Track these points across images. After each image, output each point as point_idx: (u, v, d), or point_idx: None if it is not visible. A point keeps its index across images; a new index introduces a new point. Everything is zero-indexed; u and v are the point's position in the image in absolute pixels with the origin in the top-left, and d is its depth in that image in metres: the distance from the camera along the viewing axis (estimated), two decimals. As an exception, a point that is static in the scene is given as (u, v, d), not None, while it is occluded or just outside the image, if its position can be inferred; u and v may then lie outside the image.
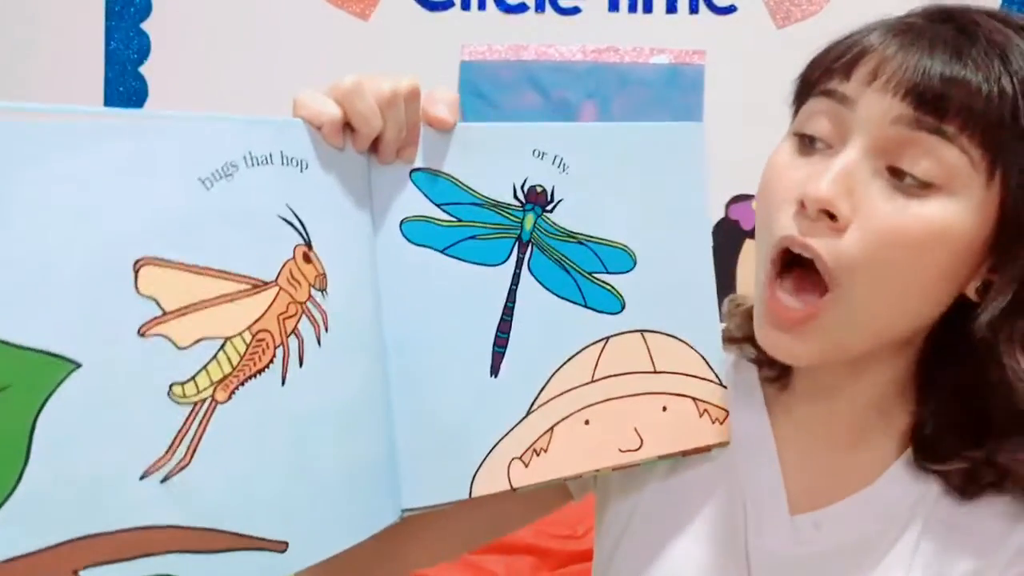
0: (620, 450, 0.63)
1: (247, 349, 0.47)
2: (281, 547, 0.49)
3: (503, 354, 0.60)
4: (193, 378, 0.45)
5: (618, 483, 0.72)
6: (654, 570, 0.68)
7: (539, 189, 0.61)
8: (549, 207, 0.61)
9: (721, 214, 1.79)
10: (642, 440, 0.64)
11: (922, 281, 0.58)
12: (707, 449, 0.66)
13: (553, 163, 0.61)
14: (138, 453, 0.44)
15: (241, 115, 0.48)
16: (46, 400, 0.40)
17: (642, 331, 0.64)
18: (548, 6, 1.86)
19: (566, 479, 0.63)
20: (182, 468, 0.45)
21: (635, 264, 0.63)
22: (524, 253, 0.61)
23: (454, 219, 0.58)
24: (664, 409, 0.65)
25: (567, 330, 0.62)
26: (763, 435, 0.69)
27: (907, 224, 0.56)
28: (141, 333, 0.44)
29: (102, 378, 0.42)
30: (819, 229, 0.57)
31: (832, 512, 0.65)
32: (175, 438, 0.45)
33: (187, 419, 0.45)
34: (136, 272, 0.43)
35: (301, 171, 0.51)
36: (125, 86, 2.03)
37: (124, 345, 0.43)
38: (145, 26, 2.03)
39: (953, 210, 0.56)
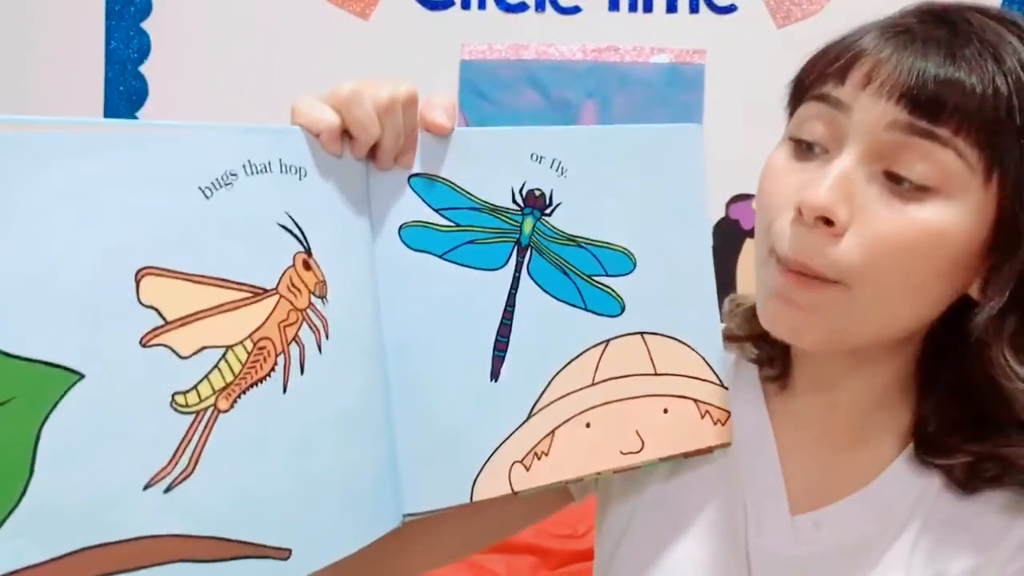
0: (621, 452, 0.63)
1: (248, 357, 0.48)
2: (284, 554, 0.49)
3: (503, 358, 0.60)
4: (195, 387, 0.45)
5: (619, 485, 0.72)
6: (655, 571, 0.68)
7: (538, 193, 0.61)
8: (548, 211, 0.61)
9: (721, 213, 1.79)
10: (643, 442, 0.64)
11: (921, 283, 0.58)
12: (709, 451, 0.67)
13: (551, 167, 0.61)
14: (141, 463, 0.44)
15: (239, 123, 0.48)
16: (50, 412, 0.40)
17: (642, 333, 0.64)
18: (548, 5, 1.86)
19: (567, 482, 0.63)
20: (185, 477, 0.45)
21: (635, 266, 0.63)
22: (523, 257, 0.61)
23: (452, 224, 0.58)
24: (665, 411, 0.65)
25: (567, 333, 0.62)
26: (763, 435, 0.69)
27: (905, 228, 0.56)
28: (143, 343, 0.44)
29: (105, 389, 0.42)
30: (816, 238, 0.57)
31: (832, 511, 0.65)
32: (178, 447, 0.45)
33: (189, 428, 0.45)
34: (138, 282, 0.43)
35: (300, 179, 0.51)
36: (125, 85, 2.03)
37: (126, 355, 0.43)
38: (145, 25, 2.03)
39: (950, 213, 0.56)
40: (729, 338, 0.72)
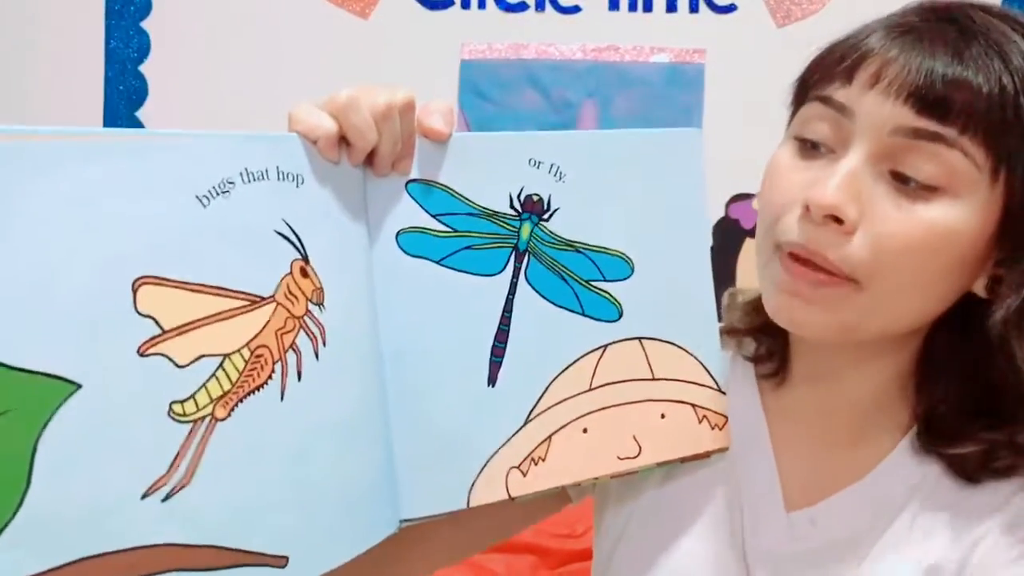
0: (619, 458, 0.63)
1: (246, 365, 0.48)
2: (281, 562, 0.49)
3: (500, 364, 0.60)
4: (193, 396, 0.45)
5: (616, 488, 0.72)
6: (653, 572, 0.68)
7: (535, 198, 0.61)
8: (546, 216, 0.61)
9: (721, 213, 1.79)
10: (640, 447, 0.64)
11: (929, 280, 0.59)
12: (706, 455, 0.67)
13: (549, 172, 0.61)
14: (139, 472, 0.44)
15: (236, 131, 0.48)
16: (47, 422, 0.40)
17: (640, 338, 0.64)
18: (548, 5, 1.86)
19: (564, 487, 0.63)
20: (183, 486, 0.45)
21: (633, 271, 0.63)
22: (521, 262, 0.61)
23: (450, 230, 0.58)
24: (663, 416, 0.65)
25: (565, 339, 0.62)
26: (759, 433, 0.69)
27: (913, 228, 0.57)
28: (141, 352, 0.44)
29: (103, 398, 0.42)
30: (825, 234, 0.58)
31: (827, 506, 0.65)
32: (176, 456, 0.45)
33: (187, 437, 0.45)
34: (135, 291, 0.43)
35: (297, 186, 0.51)
36: (125, 85, 2.03)
37: (124, 365, 0.43)
38: (145, 25, 2.03)
39: (958, 212, 0.56)
40: (728, 332, 0.72)
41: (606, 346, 0.63)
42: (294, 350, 0.50)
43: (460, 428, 0.59)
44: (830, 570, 0.64)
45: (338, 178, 0.53)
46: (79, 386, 0.41)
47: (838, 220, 0.57)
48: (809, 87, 0.63)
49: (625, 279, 0.63)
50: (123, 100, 2.02)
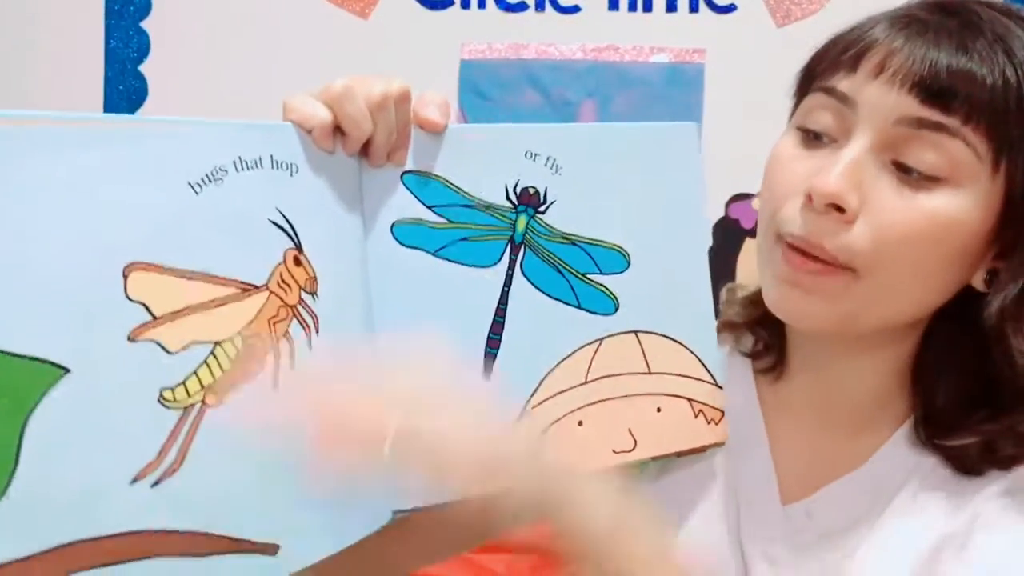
0: (614, 451, 0.63)
1: (238, 353, 0.48)
2: (272, 550, 0.49)
3: (495, 356, 0.60)
4: (183, 382, 0.45)
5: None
6: None
7: (531, 190, 0.61)
8: (542, 208, 0.61)
9: (721, 213, 1.79)
10: (636, 441, 0.64)
11: (929, 271, 0.59)
12: (702, 450, 0.67)
13: (546, 164, 0.61)
14: (128, 458, 0.44)
15: (231, 119, 0.48)
16: (35, 406, 0.40)
17: (636, 332, 0.64)
18: (548, 5, 1.86)
19: None
20: (172, 472, 0.45)
21: (629, 265, 0.63)
22: (517, 255, 0.61)
23: (445, 221, 0.58)
24: (658, 410, 0.65)
25: (560, 331, 0.62)
26: (755, 428, 0.69)
27: (915, 217, 0.57)
28: (131, 338, 0.44)
29: (91, 383, 0.42)
30: (826, 224, 0.58)
31: (822, 496, 0.65)
32: (165, 442, 0.45)
33: (177, 423, 0.45)
34: (125, 277, 0.43)
35: (291, 175, 0.51)
36: (125, 85, 2.03)
37: (114, 350, 0.43)
38: (145, 25, 2.03)
39: (959, 202, 0.57)
40: (726, 326, 0.72)
41: (602, 339, 0.63)
42: (287, 339, 0.50)
43: None
44: (827, 561, 0.64)
45: (333, 168, 0.53)
46: (68, 370, 0.41)
47: (839, 209, 0.57)
48: (813, 77, 0.63)
49: (621, 272, 0.63)
50: (123, 100, 2.02)
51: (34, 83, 2.07)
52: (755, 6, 1.80)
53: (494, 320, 0.60)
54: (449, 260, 0.58)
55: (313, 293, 0.51)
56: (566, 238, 0.62)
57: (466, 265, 0.59)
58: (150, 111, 2.00)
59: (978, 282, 0.61)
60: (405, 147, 0.57)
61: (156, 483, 0.44)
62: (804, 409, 0.68)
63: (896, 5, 0.63)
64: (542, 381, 0.61)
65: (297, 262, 0.50)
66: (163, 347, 0.45)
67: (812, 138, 0.61)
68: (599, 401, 0.63)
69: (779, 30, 1.80)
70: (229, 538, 0.47)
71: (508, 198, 0.60)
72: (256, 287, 0.49)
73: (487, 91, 1.85)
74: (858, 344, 0.64)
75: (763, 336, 0.71)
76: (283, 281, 0.50)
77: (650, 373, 0.64)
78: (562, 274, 0.62)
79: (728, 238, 1.76)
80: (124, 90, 2.03)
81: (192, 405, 0.46)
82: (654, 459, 0.65)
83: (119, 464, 0.43)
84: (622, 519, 0.49)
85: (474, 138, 0.59)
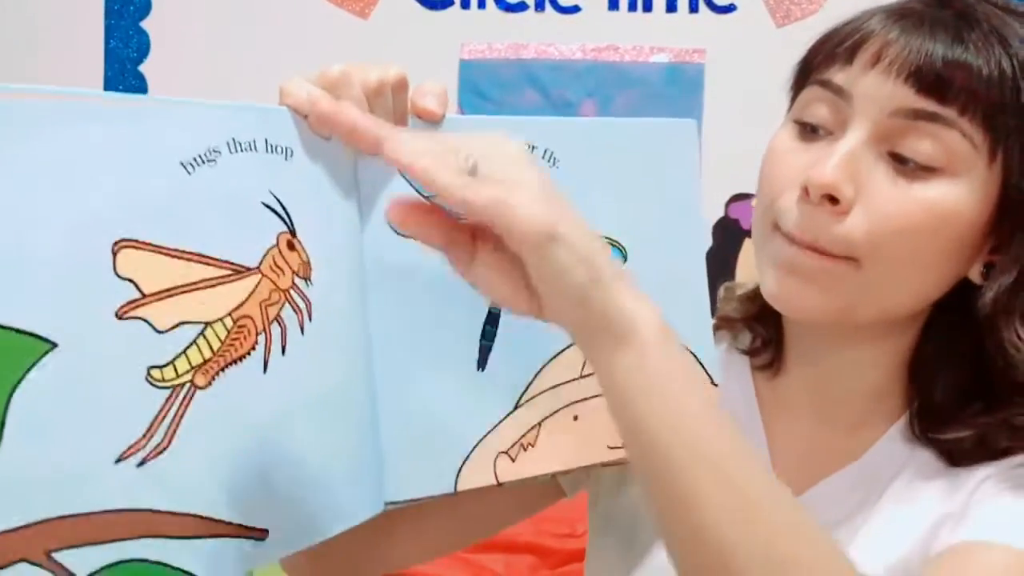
0: (609, 447, 0.63)
1: (228, 335, 0.47)
2: (261, 534, 0.49)
3: (491, 347, 0.59)
4: (172, 362, 0.45)
5: (609, 480, 0.72)
6: (645, 565, 0.67)
7: None
8: None
9: (721, 213, 1.79)
10: None
11: (926, 261, 0.59)
12: None
13: (543, 157, 0.60)
14: (114, 436, 0.43)
15: (227, 101, 0.48)
16: (20, 380, 0.40)
17: None
18: (548, 5, 1.86)
19: (553, 475, 0.63)
20: (159, 452, 0.44)
21: (625, 260, 0.63)
22: None
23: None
24: None
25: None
26: (753, 425, 0.69)
27: (911, 207, 0.57)
28: (119, 315, 0.43)
29: (78, 359, 0.41)
30: (821, 216, 0.58)
31: (820, 490, 0.65)
32: (153, 422, 0.44)
33: (165, 403, 0.45)
34: (115, 254, 0.43)
35: (286, 159, 0.50)
36: (125, 84, 2.04)
37: (101, 327, 0.42)
38: (144, 25, 2.04)
39: (956, 192, 0.57)
40: (724, 322, 0.72)
41: None
42: (279, 323, 0.49)
43: (449, 412, 0.58)
44: None
45: (329, 154, 0.53)
46: (54, 345, 0.41)
47: (834, 200, 0.57)
48: (809, 71, 0.63)
49: None
50: (123, 100, 2.03)
51: (34, 83, 2.07)
52: (755, 6, 1.81)
53: (489, 312, 0.59)
54: None
55: (306, 278, 0.51)
56: None
57: None
58: (149, 111, 2.00)
59: (975, 275, 0.61)
60: None
61: (142, 463, 0.44)
62: (801, 405, 0.68)
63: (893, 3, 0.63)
64: (537, 374, 0.61)
65: (291, 246, 0.50)
66: (152, 325, 0.44)
67: (809, 131, 0.61)
68: (594, 396, 0.62)
69: (779, 30, 1.80)
70: (217, 520, 0.46)
71: None
72: (248, 269, 0.48)
73: (487, 91, 1.85)
74: (855, 338, 0.64)
75: (760, 332, 0.70)
76: (276, 265, 0.49)
77: None
78: None
79: (728, 238, 1.76)
80: (124, 90, 2.03)
81: (181, 385, 0.45)
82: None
83: (105, 442, 0.43)
84: (666, 331, 0.46)
85: (472, 129, 0.59)
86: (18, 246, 0.40)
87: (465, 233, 0.48)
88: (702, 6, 1.82)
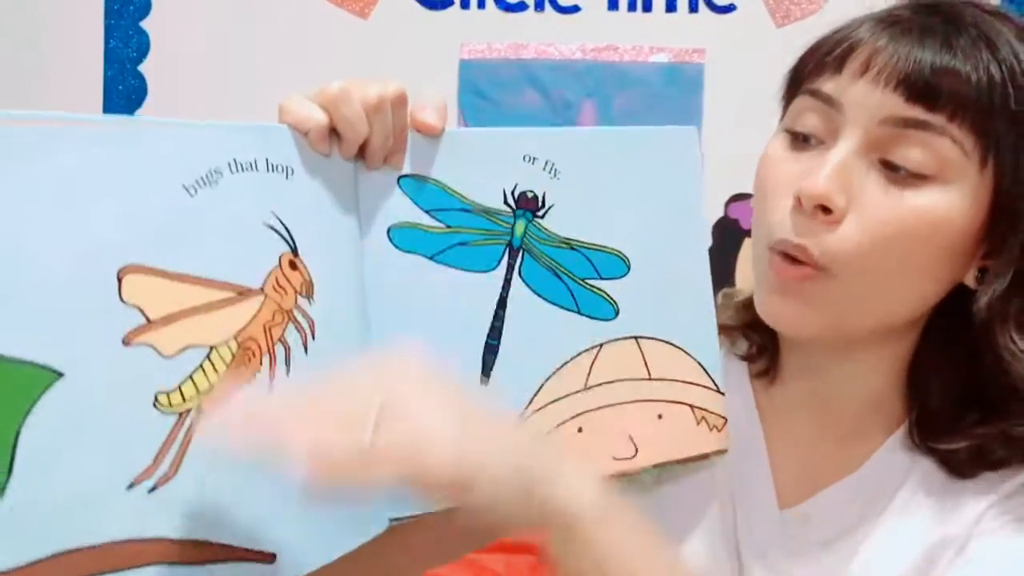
0: (615, 459, 0.63)
1: (233, 358, 0.47)
2: (269, 558, 0.49)
3: (494, 361, 0.59)
4: (179, 387, 0.45)
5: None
6: None
7: (530, 195, 0.60)
8: (540, 213, 0.61)
9: (720, 213, 1.79)
10: (637, 448, 0.63)
11: (920, 269, 0.59)
12: (704, 457, 0.66)
13: (544, 168, 0.60)
14: (124, 463, 0.43)
15: (226, 121, 0.48)
16: (29, 411, 0.40)
17: (637, 337, 0.63)
18: (547, 5, 1.86)
19: None
20: (169, 478, 0.45)
21: (629, 269, 0.63)
22: (515, 259, 0.60)
23: (442, 225, 0.58)
24: (660, 417, 0.64)
25: (559, 337, 0.61)
26: (753, 433, 0.69)
27: (903, 215, 0.57)
28: (125, 342, 0.43)
29: (86, 388, 0.42)
30: (814, 225, 0.58)
31: (819, 501, 0.65)
32: (161, 448, 0.44)
33: (173, 428, 0.45)
34: (120, 280, 0.43)
35: (287, 178, 0.50)
36: (124, 84, 2.03)
37: (108, 354, 0.42)
38: (144, 24, 2.03)
39: (948, 199, 0.57)
40: (720, 329, 0.72)
41: (602, 345, 0.62)
42: (283, 343, 0.50)
43: None
44: (824, 564, 0.64)
45: (329, 171, 0.53)
46: (61, 375, 0.41)
47: (827, 210, 0.57)
48: (800, 80, 0.63)
49: (621, 277, 0.63)
50: (122, 100, 2.02)
51: (34, 83, 2.07)
52: (755, 6, 1.80)
53: (492, 325, 0.59)
54: (446, 265, 0.58)
55: (309, 297, 0.51)
56: (565, 242, 0.61)
57: (464, 270, 0.58)
58: (150, 111, 2.00)
59: (970, 280, 0.61)
60: (402, 150, 0.56)
61: (153, 489, 0.44)
62: (801, 413, 0.68)
63: (893, 4, 0.63)
64: (541, 387, 0.61)
65: (293, 266, 0.50)
66: (158, 351, 0.44)
67: (800, 140, 0.62)
68: (599, 407, 0.62)
69: (779, 30, 1.80)
70: (225, 546, 0.47)
71: (506, 202, 0.60)
72: (251, 291, 0.48)
73: (487, 91, 1.85)
74: (852, 347, 0.64)
75: (756, 340, 0.71)
76: (279, 285, 0.49)
77: (651, 379, 0.64)
78: (561, 279, 0.61)
79: (728, 238, 1.76)
80: (124, 90, 2.02)
81: (188, 410, 0.45)
82: (656, 467, 0.64)
83: (115, 470, 0.43)
84: (606, 505, 0.48)
85: (472, 141, 0.59)
86: (22, 275, 0.40)
87: None
88: (702, 6, 1.82)
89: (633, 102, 1.81)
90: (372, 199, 0.55)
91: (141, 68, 2.04)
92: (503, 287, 0.60)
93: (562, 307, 0.61)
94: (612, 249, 0.62)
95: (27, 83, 2.06)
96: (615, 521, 0.48)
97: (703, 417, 0.65)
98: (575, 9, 1.85)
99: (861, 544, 0.63)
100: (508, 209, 0.60)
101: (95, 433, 0.42)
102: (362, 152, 0.55)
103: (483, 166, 0.59)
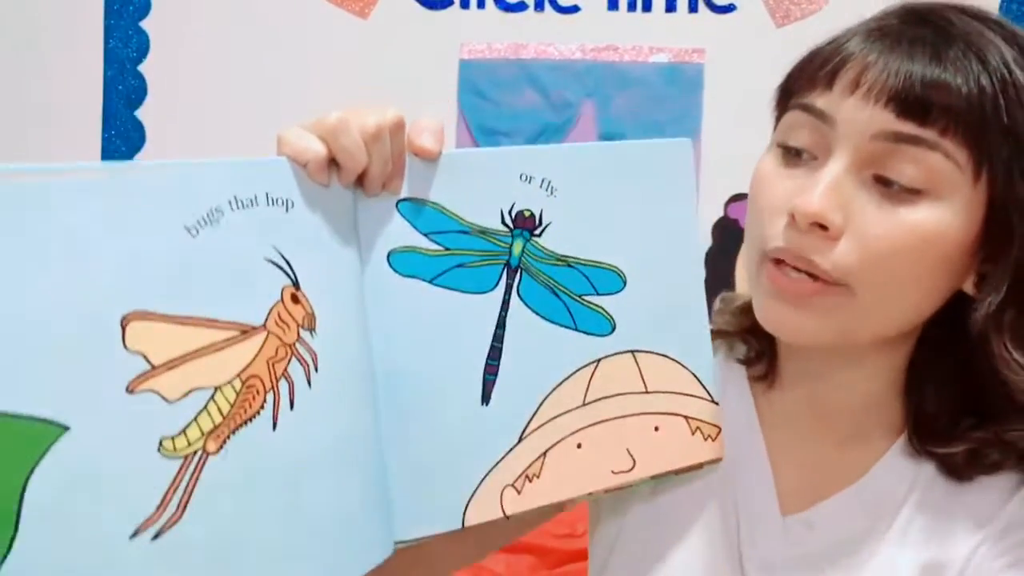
0: (613, 472, 0.63)
1: (237, 397, 0.47)
2: None
3: (494, 382, 0.60)
4: (184, 431, 0.45)
5: (607, 500, 0.72)
6: None
7: (527, 214, 0.60)
8: (538, 231, 0.61)
9: (720, 213, 1.78)
10: (635, 461, 0.64)
11: (917, 282, 0.59)
12: (699, 467, 0.67)
13: (541, 186, 0.60)
14: (128, 512, 0.43)
15: (225, 158, 0.48)
16: (34, 467, 0.40)
17: (633, 351, 0.64)
18: (547, 5, 1.85)
19: (559, 504, 0.63)
20: (174, 523, 0.44)
21: (625, 284, 0.63)
22: (513, 279, 0.60)
23: (441, 248, 0.58)
24: (656, 429, 0.65)
25: (558, 354, 0.62)
26: (753, 440, 0.69)
27: (898, 231, 0.57)
28: (130, 390, 0.43)
29: (91, 440, 0.41)
30: (811, 240, 0.58)
31: (823, 509, 0.65)
32: (166, 493, 0.44)
33: (178, 472, 0.45)
34: (124, 327, 0.43)
35: (287, 211, 0.50)
36: (124, 84, 2.03)
37: (113, 404, 0.42)
38: (144, 24, 2.03)
39: (942, 213, 0.57)
40: (718, 334, 0.72)
41: (599, 360, 0.63)
42: (286, 378, 0.49)
43: (454, 447, 0.58)
44: (829, 573, 0.64)
45: (328, 201, 0.53)
46: (67, 428, 0.41)
47: (823, 227, 0.57)
48: (791, 93, 0.63)
49: (617, 292, 0.63)
50: (122, 100, 2.02)
51: (34, 82, 2.07)
52: (755, 6, 1.80)
53: (492, 346, 0.60)
54: (446, 288, 0.58)
55: (311, 330, 0.51)
56: (562, 260, 0.62)
57: (463, 292, 0.59)
58: (149, 110, 2.00)
59: (969, 287, 0.61)
60: (400, 175, 0.56)
61: (157, 535, 0.44)
62: (801, 419, 0.68)
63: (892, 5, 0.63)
64: (541, 405, 0.61)
65: (295, 299, 0.50)
66: (162, 397, 0.44)
67: (793, 155, 0.61)
68: (598, 422, 0.63)
69: (778, 30, 1.79)
70: None
71: (504, 222, 0.60)
72: (255, 328, 0.48)
73: (486, 91, 1.85)
74: (851, 354, 0.64)
75: (755, 345, 0.71)
76: (281, 320, 0.49)
77: (647, 392, 0.64)
78: (558, 296, 0.62)
79: (728, 238, 1.75)
80: (123, 90, 2.02)
81: (193, 453, 0.45)
82: (653, 478, 0.65)
83: (119, 520, 0.42)
84: None
85: (469, 163, 0.59)
86: (27, 331, 0.40)
87: None
88: (701, 6, 1.81)
89: (633, 102, 1.80)
90: (371, 225, 0.56)
91: (141, 68, 2.04)
92: (502, 307, 0.60)
93: (560, 324, 0.62)
94: (608, 264, 0.63)
95: (27, 83, 2.06)
96: None
97: (698, 428, 0.66)
98: (575, 9, 1.85)
99: (866, 565, 0.63)
100: (506, 229, 0.60)
101: (100, 485, 0.42)
102: (360, 179, 0.55)
103: (480, 187, 0.59)
